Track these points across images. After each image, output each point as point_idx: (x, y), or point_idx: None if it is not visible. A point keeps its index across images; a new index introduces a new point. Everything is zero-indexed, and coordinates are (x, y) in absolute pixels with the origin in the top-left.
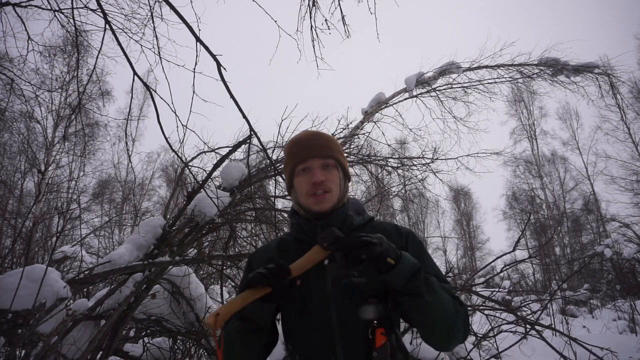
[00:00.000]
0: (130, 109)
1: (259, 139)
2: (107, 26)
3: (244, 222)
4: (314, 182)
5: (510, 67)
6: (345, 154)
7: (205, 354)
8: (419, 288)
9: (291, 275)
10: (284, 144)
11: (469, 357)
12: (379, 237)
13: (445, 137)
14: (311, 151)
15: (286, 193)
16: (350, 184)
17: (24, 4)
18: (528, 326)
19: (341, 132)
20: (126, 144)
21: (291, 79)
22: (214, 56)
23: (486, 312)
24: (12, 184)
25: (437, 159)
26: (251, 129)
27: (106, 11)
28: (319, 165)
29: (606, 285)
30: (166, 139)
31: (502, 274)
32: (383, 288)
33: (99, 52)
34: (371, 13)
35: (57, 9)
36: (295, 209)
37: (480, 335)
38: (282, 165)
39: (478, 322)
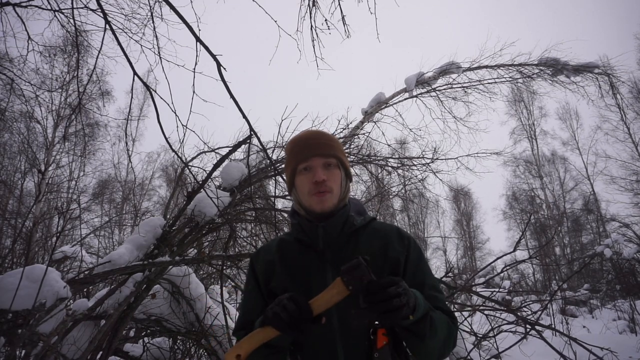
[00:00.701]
0: (130, 109)
1: (259, 139)
2: (107, 26)
3: (244, 222)
4: (315, 181)
5: (510, 67)
6: (345, 154)
7: (205, 354)
8: (423, 331)
9: (312, 314)
10: (284, 144)
11: (469, 357)
12: (404, 289)
13: (445, 137)
14: (313, 150)
15: (286, 193)
16: (351, 184)
17: (24, 4)
18: (528, 326)
19: (341, 132)
20: (126, 144)
21: (291, 79)
22: (214, 56)
23: (486, 312)
24: (12, 184)
25: (437, 159)
26: (251, 129)
27: (106, 11)
28: (320, 164)
29: (606, 285)
30: (166, 139)
31: (502, 274)
32: None
33: (99, 52)
34: (371, 13)
35: (57, 9)
36: (295, 209)
37: (481, 336)
38: (283, 165)
39: (478, 322)
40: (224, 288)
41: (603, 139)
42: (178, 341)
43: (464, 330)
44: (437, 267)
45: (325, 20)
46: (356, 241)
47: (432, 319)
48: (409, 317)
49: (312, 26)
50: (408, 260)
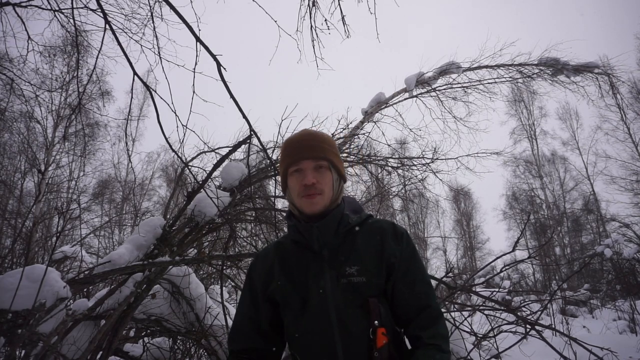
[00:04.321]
0: (130, 109)
1: (259, 139)
2: (107, 26)
3: (244, 222)
4: (304, 184)
5: (510, 67)
6: (345, 154)
7: (205, 354)
8: None
9: None
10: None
11: (469, 357)
12: None
13: (445, 137)
14: (303, 152)
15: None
16: (346, 184)
17: (24, 4)
18: (528, 326)
19: (341, 132)
20: (126, 144)
21: (291, 79)
22: (214, 56)
23: (486, 312)
24: (12, 184)
25: (437, 159)
26: (251, 129)
27: (106, 11)
28: (311, 167)
29: (606, 285)
30: (166, 139)
31: (502, 274)
32: (383, 287)
33: (99, 52)
34: (371, 13)
35: (57, 9)
36: (291, 210)
37: (480, 336)
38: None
39: (478, 322)
40: (224, 288)
41: (603, 139)
42: (178, 341)
43: (464, 330)
44: (437, 267)
45: (325, 20)
46: (352, 240)
47: None
48: None
49: (312, 26)
50: (401, 257)
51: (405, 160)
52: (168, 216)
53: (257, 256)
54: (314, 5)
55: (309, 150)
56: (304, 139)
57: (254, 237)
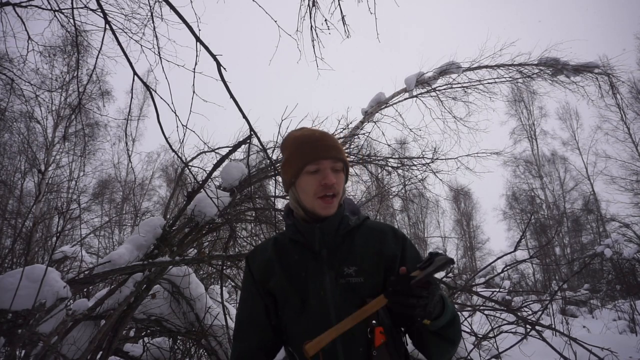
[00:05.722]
0: (130, 109)
1: (259, 139)
2: (107, 26)
3: (244, 222)
4: (325, 184)
5: (510, 67)
6: (345, 154)
7: (205, 354)
8: (452, 336)
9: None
10: None
11: (469, 357)
12: (433, 292)
13: (445, 137)
14: (324, 152)
15: (286, 193)
16: (346, 185)
17: (24, 4)
18: (528, 326)
19: (341, 132)
20: (126, 144)
21: (291, 79)
22: (214, 56)
23: (486, 312)
24: (12, 184)
25: (437, 159)
26: (251, 129)
27: (106, 11)
28: (329, 167)
29: (606, 285)
30: (166, 139)
31: (502, 274)
32: (381, 287)
33: (99, 52)
34: (371, 13)
35: (57, 9)
36: (291, 208)
37: (481, 336)
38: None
39: (478, 322)
40: (224, 288)
41: (603, 139)
42: (178, 341)
43: (464, 331)
44: None
45: (325, 20)
46: (351, 241)
47: (459, 324)
48: (424, 320)
49: (312, 26)
50: (405, 259)
51: (405, 160)
52: (168, 216)
53: (254, 250)
54: (314, 5)
55: (328, 151)
56: (323, 138)
57: (254, 237)
